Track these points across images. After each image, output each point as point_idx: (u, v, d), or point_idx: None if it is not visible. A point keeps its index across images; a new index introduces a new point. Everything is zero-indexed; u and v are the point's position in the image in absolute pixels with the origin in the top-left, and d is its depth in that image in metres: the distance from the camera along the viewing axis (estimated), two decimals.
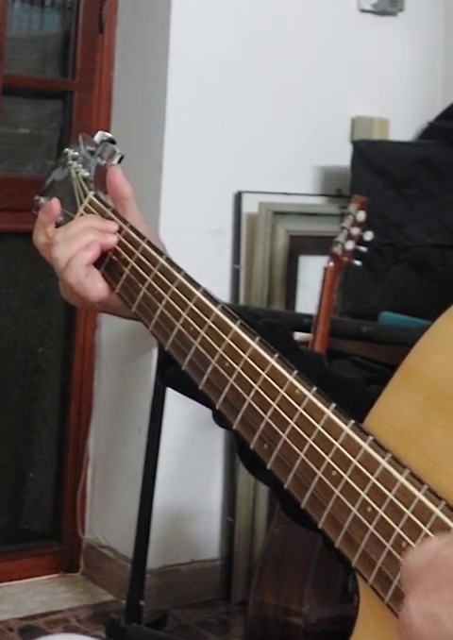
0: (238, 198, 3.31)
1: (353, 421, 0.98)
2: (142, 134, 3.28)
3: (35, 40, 3.38)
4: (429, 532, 0.90)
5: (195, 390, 1.14)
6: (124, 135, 3.23)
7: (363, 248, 2.79)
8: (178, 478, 3.30)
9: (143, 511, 2.98)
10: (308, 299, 3.12)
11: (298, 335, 3.17)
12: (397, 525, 0.92)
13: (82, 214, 1.23)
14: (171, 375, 1.20)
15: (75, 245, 1.17)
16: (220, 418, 1.18)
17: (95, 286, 1.18)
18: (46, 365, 3.42)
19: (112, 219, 1.21)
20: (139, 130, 3.29)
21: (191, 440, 3.30)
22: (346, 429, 0.98)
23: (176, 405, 3.07)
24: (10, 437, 3.37)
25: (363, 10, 3.52)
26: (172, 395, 2.99)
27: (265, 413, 1.03)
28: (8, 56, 3.19)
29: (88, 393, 3.44)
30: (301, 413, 1.01)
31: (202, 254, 3.21)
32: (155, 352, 3.11)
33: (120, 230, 1.19)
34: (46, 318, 3.40)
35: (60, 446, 3.45)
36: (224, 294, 3.28)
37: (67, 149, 1.28)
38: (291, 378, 1.03)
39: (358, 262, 2.80)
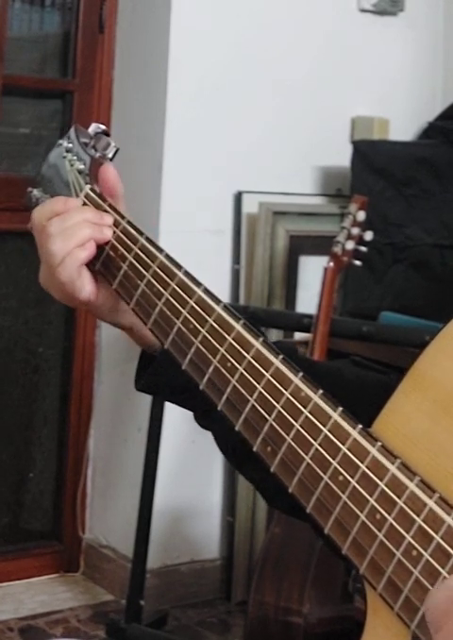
0: (238, 198, 3.31)
1: (361, 426, 0.96)
2: (142, 134, 3.28)
3: (35, 40, 3.37)
4: (441, 541, 0.88)
5: (173, 393, 1.15)
6: (124, 135, 3.23)
7: (363, 248, 2.79)
8: (178, 478, 3.29)
9: (143, 510, 2.98)
10: (308, 299, 3.12)
11: (298, 335, 3.18)
12: (408, 533, 0.90)
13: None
14: (146, 382, 1.17)
15: (72, 241, 1.14)
16: (203, 419, 1.17)
17: (85, 288, 1.15)
18: (46, 365, 3.42)
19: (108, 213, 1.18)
20: (139, 130, 3.29)
21: (191, 440, 3.30)
22: (354, 433, 0.95)
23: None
24: (10, 437, 3.36)
25: (363, 10, 3.51)
26: None
27: (269, 416, 1.01)
28: (8, 56, 3.19)
29: (88, 393, 3.43)
30: (307, 416, 0.98)
31: (202, 254, 3.20)
32: None
33: (117, 225, 1.16)
34: (46, 318, 3.40)
35: (60, 446, 3.44)
36: (224, 294, 3.28)
37: (61, 141, 1.25)
38: (296, 380, 1.00)
39: (358, 262, 2.80)
